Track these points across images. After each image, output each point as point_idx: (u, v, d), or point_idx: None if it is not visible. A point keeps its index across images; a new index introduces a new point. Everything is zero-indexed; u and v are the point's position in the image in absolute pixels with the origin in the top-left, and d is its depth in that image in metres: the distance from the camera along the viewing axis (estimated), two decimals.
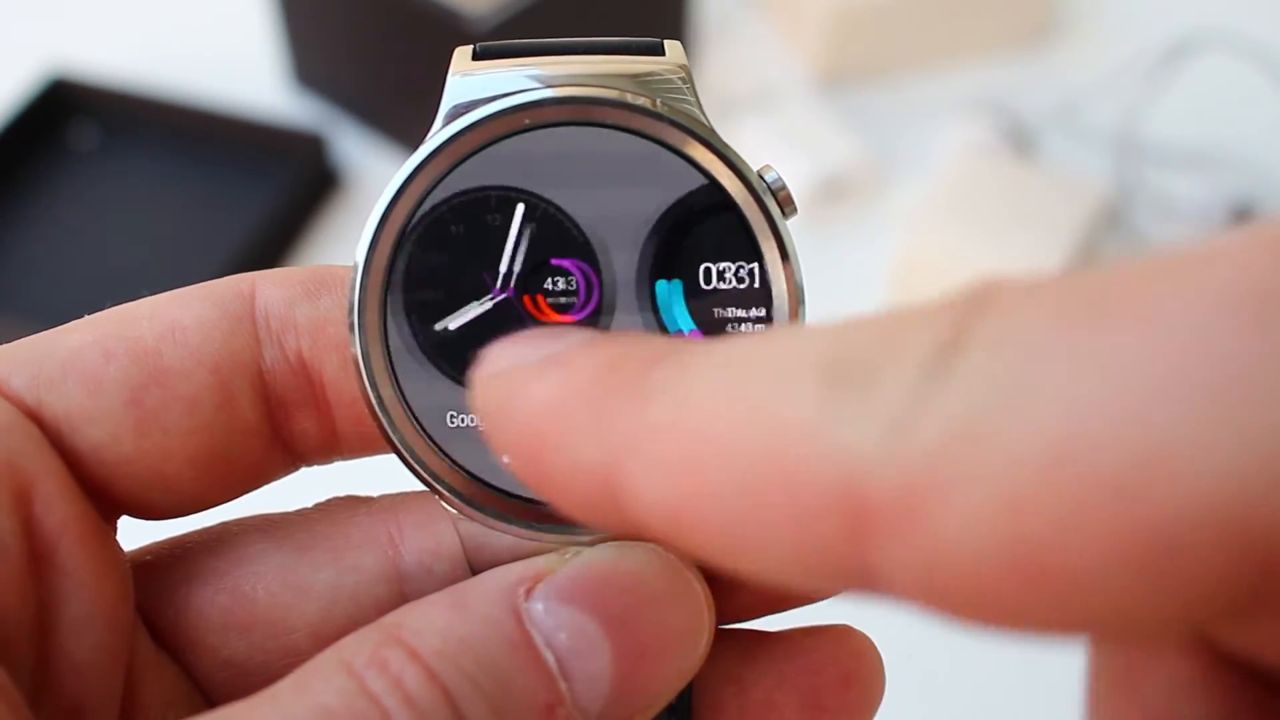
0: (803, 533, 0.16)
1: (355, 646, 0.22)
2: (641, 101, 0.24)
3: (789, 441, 0.16)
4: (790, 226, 0.25)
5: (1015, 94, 1.02)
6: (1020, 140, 0.96)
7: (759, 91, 1.02)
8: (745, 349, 0.18)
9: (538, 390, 0.19)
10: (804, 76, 1.05)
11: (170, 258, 0.94)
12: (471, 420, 0.25)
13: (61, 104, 1.00)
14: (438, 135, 0.25)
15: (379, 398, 0.25)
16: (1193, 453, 0.14)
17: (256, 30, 1.06)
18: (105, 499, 0.25)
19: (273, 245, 0.92)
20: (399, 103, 0.96)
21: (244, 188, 0.96)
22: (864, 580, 0.16)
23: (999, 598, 0.15)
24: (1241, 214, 0.95)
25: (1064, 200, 0.87)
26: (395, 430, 0.25)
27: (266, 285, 0.26)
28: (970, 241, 0.86)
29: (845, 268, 0.92)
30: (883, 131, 1.00)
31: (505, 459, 0.20)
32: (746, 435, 0.16)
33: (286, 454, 0.27)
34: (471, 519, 0.25)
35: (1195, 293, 0.14)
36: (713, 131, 0.25)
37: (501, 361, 0.20)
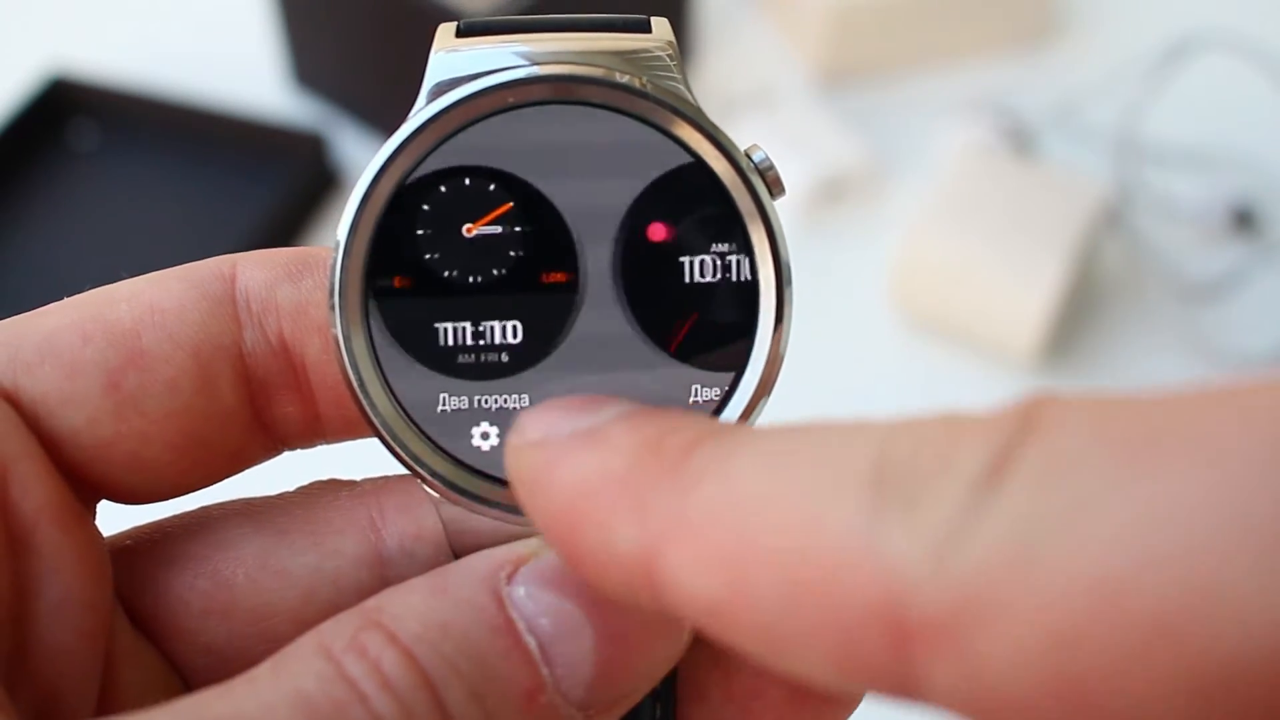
0: (843, 640, 0.16)
1: (334, 630, 0.22)
2: (627, 79, 0.24)
3: (833, 548, 0.16)
4: (790, 226, 0.25)
5: (1015, 94, 1.02)
6: (1020, 140, 0.96)
7: (759, 91, 1.02)
8: (791, 442, 0.18)
9: (574, 468, 0.19)
10: (804, 76, 1.05)
11: (170, 258, 0.93)
12: (454, 403, 0.25)
13: (61, 104, 1.00)
14: (420, 113, 0.24)
15: (360, 380, 0.24)
16: (1245, 596, 0.13)
17: (256, 30, 1.06)
18: (84, 483, 0.25)
19: (272, 245, 0.92)
20: (399, 103, 0.95)
21: (244, 188, 0.96)
22: (904, 689, 0.16)
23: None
24: (1242, 214, 0.94)
25: (1064, 200, 0.87)
26: (376, 413, 0.24)
27: (248, 266, 0.26)
28: (970, 242, 0.86)
29: (845, 268, 0.92)
30: (883, 132, 1.00)
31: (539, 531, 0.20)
32: (789, 537, 0.17)
33: (268, 438, 0.26)
34: (454, 503, 0.25)
35: (1252, 428, 0.14)
36: (699, 110, 0.24)
37: (535, 431, 0.20)
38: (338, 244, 0.24)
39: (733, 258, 0.25)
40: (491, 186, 0.25)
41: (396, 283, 0.25)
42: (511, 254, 0.25)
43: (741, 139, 0.24)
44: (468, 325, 0.25)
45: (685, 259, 0.25)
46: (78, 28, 1.10)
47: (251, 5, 1.06)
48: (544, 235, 0.25)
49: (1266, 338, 0.89)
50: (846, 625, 0.16)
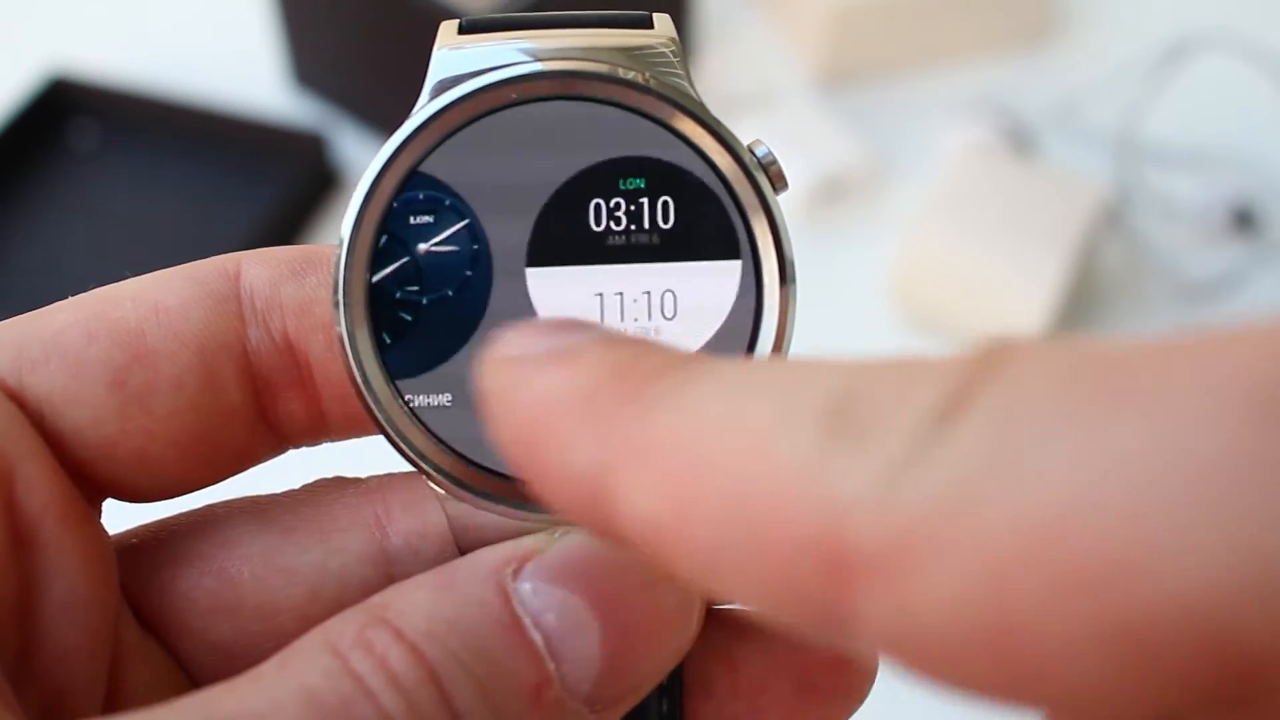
0: (780, 568, 0.16)
1: (340, 627, 0.22)
2: (631, 75, 0.24)
3: (780, 478, 0.16)
4: (791, 226, 0.25)
5: (1015, 94, 1.02)
6: (1020, 140, 0.96)
7: (759, 91, 1.02)
8: (753, 374, 0.18)
9: (541, 384, 0.19)
10: (804, 76, 1.05)
11: (171, 258, 0.93)
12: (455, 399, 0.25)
13: (61, 104, 1.00)
14: (423, 110, 0.24)
15: (364, 377, 0.24)
16: (1176, 551, 0.13)
17: (256, 30, 1.06)
18: (89, 481, 0.25)
19: (273, 245, 0.91)
20: (399, 103, 0.95)
21: (244, 188, 0.96)
22: (835, 624, 0.16)
23: (968, 666, 0.15)
24: (1242, 214, 0.94)
25: (1064, 200, 0.87)
26: (381, 410, 0.24)
27: (251, 264, 0.26)
28: (970, 242, 0.86)
29: (845, 268, 0.92)
30: (883, 131, 1.00)
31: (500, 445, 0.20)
32: (740, 464, 0.16)
33: (273, 436, 0.26)
34: (459, 499, 0.25)
35: (1203, 384, 0.14)
36: (702, 106, 0.24)
37: (511, 348, 0.20)
38: (342, 241, 0.25)
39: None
40: (447, 202, 0.25)
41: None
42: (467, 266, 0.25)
43: (742, 137, 0.24)
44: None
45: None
46: (78, 28, 1.10)
47: (251, 5, 1.06)
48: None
49: None
50: (782, 553, 0.16)
